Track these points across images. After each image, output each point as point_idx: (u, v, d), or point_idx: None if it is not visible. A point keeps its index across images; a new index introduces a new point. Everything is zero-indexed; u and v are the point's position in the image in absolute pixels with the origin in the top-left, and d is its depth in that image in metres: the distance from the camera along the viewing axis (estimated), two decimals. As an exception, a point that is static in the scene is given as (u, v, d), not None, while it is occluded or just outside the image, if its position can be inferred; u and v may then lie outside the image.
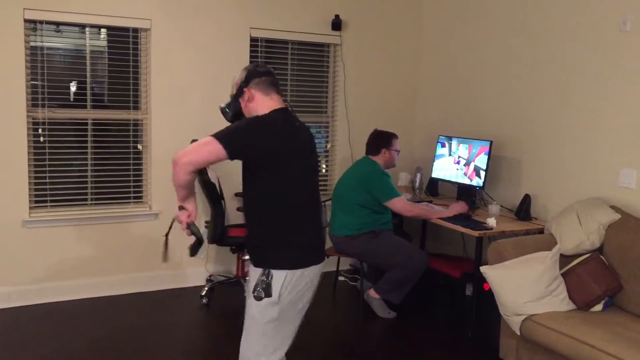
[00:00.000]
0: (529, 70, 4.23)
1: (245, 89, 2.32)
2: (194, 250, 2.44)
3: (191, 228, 2.36)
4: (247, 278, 2.35)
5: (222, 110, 2.44)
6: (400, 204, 4.08)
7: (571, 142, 3.90)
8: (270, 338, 2.29)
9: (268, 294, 2.21)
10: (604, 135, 3.68)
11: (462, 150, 4.49)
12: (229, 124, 2.33)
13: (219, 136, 2.14)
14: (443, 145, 4.71)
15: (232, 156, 2.15)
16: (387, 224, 4.21)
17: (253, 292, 2.23)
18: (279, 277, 2.22)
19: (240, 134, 2.17)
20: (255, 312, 2.25)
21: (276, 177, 2.20)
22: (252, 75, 2.33)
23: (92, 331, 3.78)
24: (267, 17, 4.72)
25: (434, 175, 4.79)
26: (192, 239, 2.42)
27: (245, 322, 2.32)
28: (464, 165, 4.44)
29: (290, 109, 2.35)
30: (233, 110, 2.39)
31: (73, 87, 4.32)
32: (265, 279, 2.21)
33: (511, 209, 4.22)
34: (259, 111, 2.29)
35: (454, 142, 4.58)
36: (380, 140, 4.27)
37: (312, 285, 2.32)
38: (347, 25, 5.03)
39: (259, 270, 2.24)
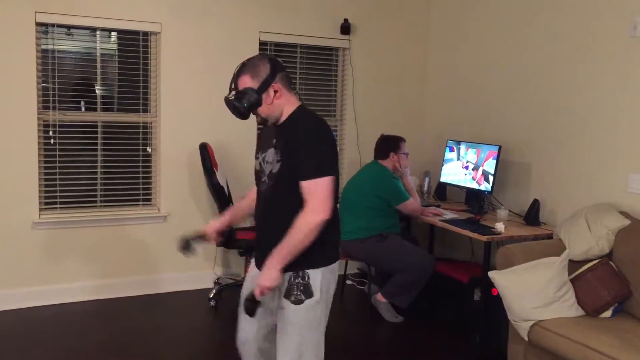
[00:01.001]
0: (538, 75, 4.22)
1: (273, 84, 2.17)
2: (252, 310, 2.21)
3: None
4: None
5: (234, 105, 2.17)
6: (412, 205, 4.14)
7: (580, 147, 3.89)
8: (314, 343, 2.23)
9: (309, 294, 2.17)
10: (613, 141, 3.66)
11: (470, 154, 4.48)
12: (237, 119, 2.27)
13: (326, 170, 2.09)
14: (452, 150, 4.70)
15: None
16: (395, 227, 4.22)
17: (288, 298, 2.16)
18: (317, 275, 2.19)
19: (332, 153, 2.16)
20: (296, 317, 2.18)
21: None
22: (277, 68, 2.19)
23: (100, 333, 3.79)
24: (276, 21, 4.74)
25: (443, 179, 4.78)
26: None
27: (285, 336, 2.21)
28: (472, 169, 4.43)
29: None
30: (251, 106, 2.17)
31: (84, 90, 4.35)
32: (301, 281, 2.16)
33: (520, 214, 4.20)
34: (286, 109, 2.21)
35: (463, 147, 4.57)
36: (388, 145, 4.27)
37: (335, 282, 2.32)
38: (356, 29, 5.04)
39: (286, 275, 2.17)
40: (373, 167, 4.27)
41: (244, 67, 2.19)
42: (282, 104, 2.20)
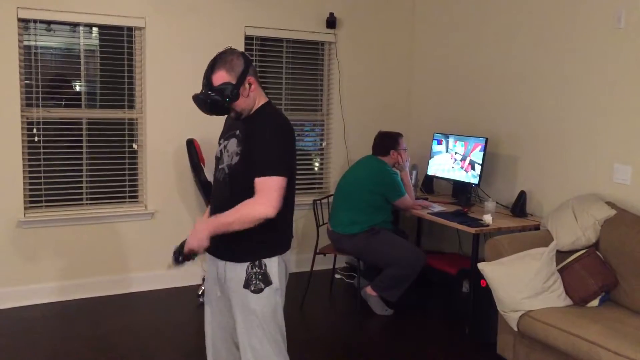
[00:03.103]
0: (524, 67, 4.25)
1: (248, 77, 2.19)
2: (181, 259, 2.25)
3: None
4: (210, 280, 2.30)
5: (215, 100, 2.15)
6: (408, 201, 4.20)
7: (566, 138, 3.92)
8: (278, 329, 2.28)
9: (267, 282, 2.21)
10: (598, 131, 3.70)
11: (458, 147, 4.50)
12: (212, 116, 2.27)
13: (280, 169, 2.12)
14: (439, 142, 4.72)
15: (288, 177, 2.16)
16: (387, 223, 4.24)
17: (248, 287, 2.20)
18: (273, 263, 2.24)
19: (290, 154, 2.19)
20: (258, 306, 2.21)
21: (290, 176, 2.22)
22: (249, 61, 2.22)
23: (88, 332, 3.77)
24: (261, 15, 4.72)
25: (431, 172, 4.80)
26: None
27: (245, 323, 2.24)
28: (460, 160, 4.45)
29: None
30: (231, 100, 2.16)
31: (67, 87, 4.30)
32: (259, 270, 2.20)
33: (507, 206, 4.23)
34: (258, 101, 2.25)
35: (451, 139, 4.59)
36: (387, 142, 4.28)
37: (289, 268, 2.37)
38: (342, 23, 5.03)
39: (242, 266, 2.21)
40: (372, 162, 4.27)
41: (218, 63, 2.18)
42: (255, 96, 2.23)
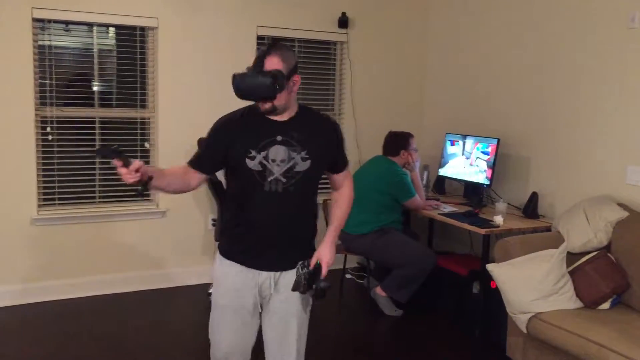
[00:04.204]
0: (536, 67, 4.21)
1: (295, 74, 2.11)
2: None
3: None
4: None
5: (264, 82, 1.99)
6: (418, 202, 4.18)
7: (579, 139, 3.88)
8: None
9: (312, 282, 2.20)
10: (611, 133, 3.66)
11: (476, 149, 4.44)
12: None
13: (347, 159, 2.38)
14: (452, 144, 4.69)
15: None
16: (397, 223, 4.23)
17: (298, 289, 2.14)
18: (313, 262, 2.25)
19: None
20: (305, 306, 2.25)
21: None
22: (296, 62, 2.13)
23: (99, 329, 3.80)
24: (273, 15, 4.73)
25: (442, 173, 4.77)
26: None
27: (299, 327, 2.24)
28: (487, 166, 4.34)
29: None
30: (280, 88, 2.03)
31: (81, 86, 4.34)
32: (307, 270, 2.18)
33: (518, 207, 4.20)
34: (294, 105, 2.17)
35: (469, 141, 4.53)
36: (398, 142, 4.27)
37: None
38: (354, 22, 5.02)
39: (293, 270, 2.20)
40: (382, 163, 4.26)
41: (274, 48, 2.07)
42: (293, 97, 2.14)
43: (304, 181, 2.14)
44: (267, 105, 2.08)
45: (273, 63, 2.03)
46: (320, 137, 2.18)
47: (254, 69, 2.04)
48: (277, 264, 2.19)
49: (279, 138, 2.11)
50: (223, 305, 2.26)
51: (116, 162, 1.94)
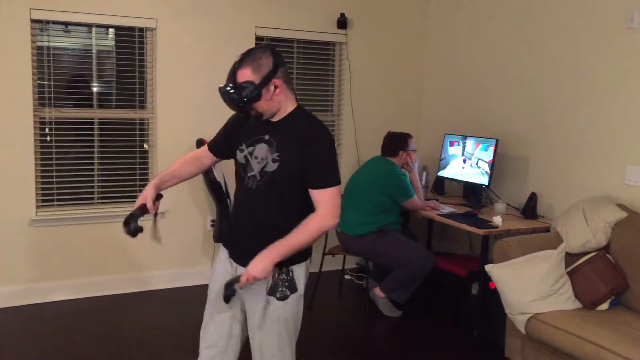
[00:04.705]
0: (534, 68, 4.21)
1: (274, 79, 2.08)
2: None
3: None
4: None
5: (232, 98, 2.06)
6: (417, 203, 4.18)
7: (577, 140, 3.88)
8: (295, 335, 2.26)
9: (294, 289, 2.15)
10: (610, 133, 3.66)
11: (477, 150, 4.43)
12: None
13: (336, 179, 2.12)
14: (452, 144, 4.69)
15: None
16: (396, 224, 4.22)
17: (274, 294, 2.12)
18: (300, 270, 2.20)
19: (336, 159, 2.18)
20: (286, 313, 2.18)
21: None
22: (279, 63, 2.11)
23: (98, 330, 3.80)
24: (272, 16, 4.73)
25: (444, 174, 4.76)
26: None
27: (265, 330, 2.19)
28: (488, 168, 4.32)
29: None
30: (250, 101, 2.06)
31: (79, 87, 4.34)
32: (285, 277, 2.14)
33: (517, 208, 4.20)
34: (286, 106, 2.15)
35: (470, 142, 4.52)
36: (397, 143, 4.26)
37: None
38: (353, 23, 5.02)
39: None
40: (380, 163, 4.26)
41: (245, 59, 2.09)
42: (281, 100, 2.13)
43: (272, 183, 2.14)
44: (252, 112, 2.14)
45: (245, 75, 2.07)
46: (294, 142, 2.11)
47: (226, 83, 2.10)
48: (245, 260, 2.16)
49: (266, 137, 2.16)
50: (210, 290, 2.35)
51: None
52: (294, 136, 2.12)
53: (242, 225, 2.24)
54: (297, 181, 2.12)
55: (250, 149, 2.18)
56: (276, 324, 2.18)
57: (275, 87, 2.09)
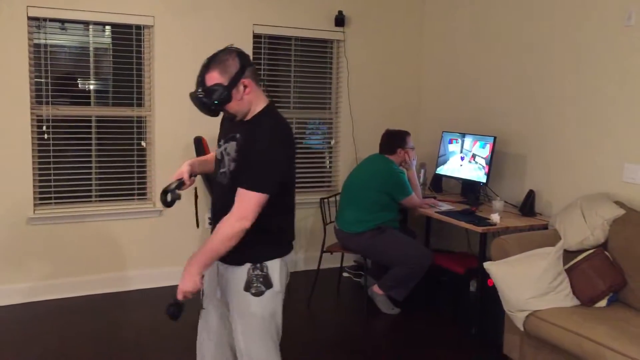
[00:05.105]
0: (532, 65, 4.21)
1: (242, 79, 2.11)
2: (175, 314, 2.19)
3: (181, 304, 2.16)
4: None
5: (203, 102, 2.10)
6: (415, 200, 4.18)
7: (575, 137, 3.89)
8: (276, 333, 2.27)
9: (269, 285, 2.19)
10: (608, 130, 3.66)
11: (475, 147, 4.44)
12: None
13: (264, 186, 2.05)
14: (450, 142, 4.69)
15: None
16: (394, 222, 4.23)
17: (249, 290, 2.18)
18: (275, 266, 2.22)
19: (280, 169, 2.12)
20: (258, 309, 2.19)
21: (284, 182, 2.18)
22: (246, 63, 2.14)
23: (96, 328, 3.79)
24: (270, 13, 4.72)
25: (443, 172, 4.76)
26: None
27: (243, 327, 2.23)
28: (485, 163, 4.34)
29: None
30: (221, 103, 2.11)
31: (76, 84, 4.33)
32: (260, 272, 2.18)
33: (515, 205, 4.21)
34: (257, 105, 2.18)
35: (468, 139, 4.52)
36: (395, 141, 4.27)
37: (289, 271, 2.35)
38: (351, 21, 5.02)
39: (244, 268, 2.19)
40: (379, 161, 4.26)
41: (212, 63, 2.12)
42: (251, 99, 2.16)
43: (232, 180, 2.17)
44: (226, 114, 2.21)
45: (213, 78, 2.10)
46: (246, 141, 2.14)
47: (196, 88, 2.13)
48: (222, 257, 2.21)
49: (237, 135, 2.19)
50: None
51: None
52: (249, 135, 2.15)
53: (215, 218, 2.26)
54: None
55: (225, 145, 2.23)
56: (253, 319, 2.21)
57: (245, 86, 2.13)
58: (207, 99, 2.09)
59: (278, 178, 2.13)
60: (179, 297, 2.13)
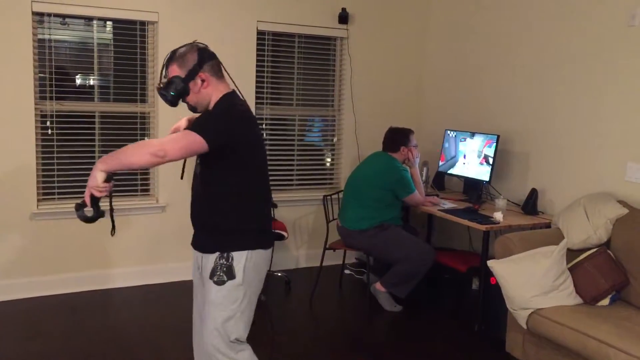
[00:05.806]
0: (536, 64, 4.22)
1: (200, 73, 2.23)
2: (89, 218, 2.22)
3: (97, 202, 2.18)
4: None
5: (162, 93, 2.23)
6: (418, 198, 4.19)
7: (578, 136, 3.89)
8: (235, 322, 2.28)
9: (231, 276, 2.23)
10: (611, 130, 3.67)
11: (478, 146, 4.43)
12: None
13: (205, 133, 2.09)
14: (456, 140, 4.68)
15: (211, 146, 2.11)
16: (397, 220, 4.23)
17: (212, 278, 2.23)
18: (241, 258, 2.24)
19: (221, 125, 2.17)
20: (218, 297, 2.24)
21: (248, 166, 2.24)
22: (205, 57, 2.25)
23: (99, 323, 3.80)
24: (273, 10, 4.72)
25: (454, 172, 4.73)
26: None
27: (205, 313, 2.29)
28: (489, 163, 4.32)
29: (239, 92, 2.33)
30: (178, 95, 2.23)
31: (80, 80, 4.33)
32: (225, 262, 2.22)
33: (518, 204, 4.22)
34: (213, 96, 2.27)
35: (470, 138, 4.49)
36: (398, 138, 4.27)
37: (266, 267, 2.36)
38: (354, 18, 5.02)
39: (213, 256, 2.25)
40: (382, 159, 4.27)
41: (173, 57, 2.24)
42: (209, 92, 2.26)
43: (202, 185, 2.28)
44: (188, 107, 2.32)
45: (172, 71, 2.23)
46: (197, 120, 2.25)
47: (159, 80, 2.28)
48: (195, 243, 2.37)
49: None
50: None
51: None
52: (202, 116, 2.27)
53: (193, 211, 2.38)
54: (212, 165, 2.22)
55: None
56: (212, 306, 2.26)
57: (202, 80, 2.22)
58: (165, 91, 2.21)
59: (224, 135, 2.14)
60: (86, 194, 2.13)
